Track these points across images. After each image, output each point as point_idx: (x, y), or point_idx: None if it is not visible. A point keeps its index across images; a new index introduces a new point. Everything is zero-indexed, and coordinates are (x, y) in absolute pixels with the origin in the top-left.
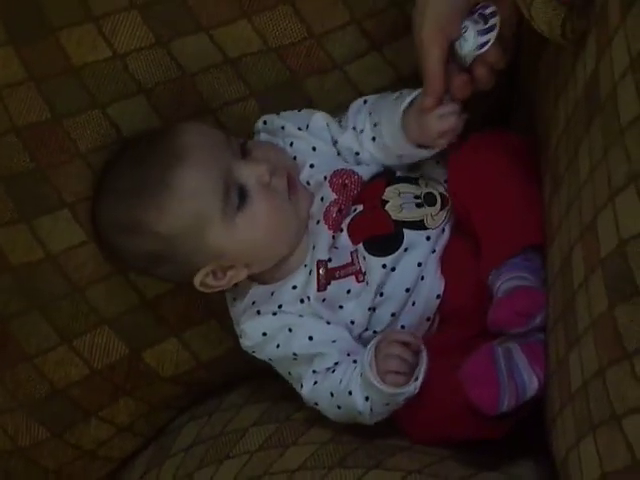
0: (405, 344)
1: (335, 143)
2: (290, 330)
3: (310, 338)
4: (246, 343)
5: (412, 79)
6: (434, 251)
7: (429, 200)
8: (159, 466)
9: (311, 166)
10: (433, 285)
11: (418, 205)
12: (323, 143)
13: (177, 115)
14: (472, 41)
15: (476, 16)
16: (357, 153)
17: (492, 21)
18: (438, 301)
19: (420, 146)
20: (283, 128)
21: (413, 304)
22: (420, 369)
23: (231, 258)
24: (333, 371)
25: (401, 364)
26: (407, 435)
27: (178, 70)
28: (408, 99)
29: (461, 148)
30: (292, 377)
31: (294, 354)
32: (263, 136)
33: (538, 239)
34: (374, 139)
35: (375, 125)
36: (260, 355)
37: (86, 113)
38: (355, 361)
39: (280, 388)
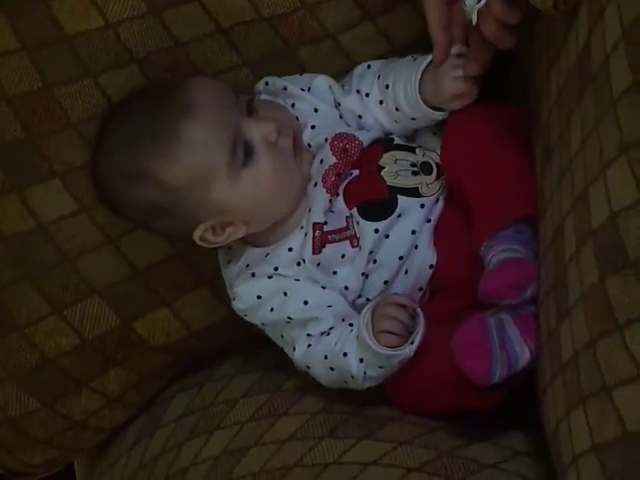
0: (402, 306)
1: (338, 105)
2: (285, 294)
3: (305, 302)
4: (239, 306)
5: (404, 49)
6: (429, 220)
7: (425, 169)
8: (149, 436)
9: (312, 127)
10: (426, 255)
11: (414, 173)
12: (325, 105)
13: None
14: None
15: None
16: (360, 116)
17: None
18: (431, 271)
19: (435, 108)
20: (285, 89)
21: (406, 272)
22: (417, 333)
23: (233, 214)
24: (328, 334)
25: (396, 325)
26: (397, 405)
27: (170, 39)
28: (426, 60)
29: (455, 119)
30: (284, 341)
31: (289, 318)
32: (264, 97)
33: (530, 211)
34: (381, 102)
35: (387, 87)
36: (252, 319)
37: (78, 83)
38: (351, 324)
39: (272, 357)
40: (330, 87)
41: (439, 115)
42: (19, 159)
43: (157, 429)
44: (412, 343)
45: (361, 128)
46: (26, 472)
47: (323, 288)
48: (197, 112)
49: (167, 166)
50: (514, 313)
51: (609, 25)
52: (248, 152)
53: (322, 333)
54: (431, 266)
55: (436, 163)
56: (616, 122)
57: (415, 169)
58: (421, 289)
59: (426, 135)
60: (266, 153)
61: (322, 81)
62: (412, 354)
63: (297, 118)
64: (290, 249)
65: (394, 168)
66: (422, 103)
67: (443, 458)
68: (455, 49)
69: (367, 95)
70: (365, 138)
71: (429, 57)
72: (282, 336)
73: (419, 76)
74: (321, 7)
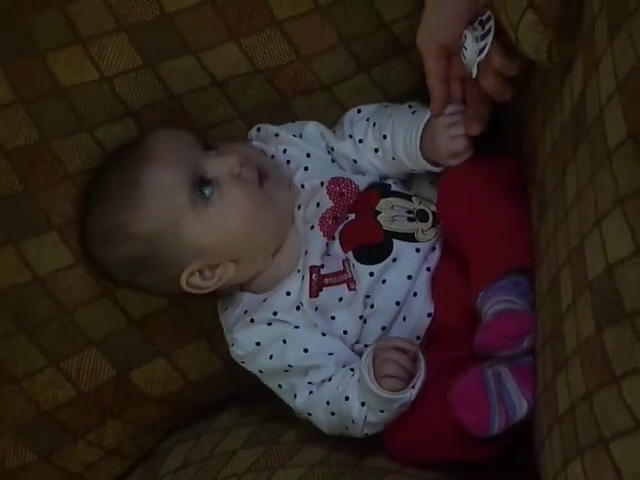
0: (403, 351)
1: (331, 150)
2: (284, 341)
3: (305, 350)
4: (237, 352)
5: (399, 99)
6: (429, 269)
7: (421, 216)
8: None
9: (305, 169)
10: (425, 303)
11: (410, 219)
12: (317, 150)
13: None
14: (471, 49)
15: (475, 24)
16: (355, 161)
17: (488, 25)
18: (429, 320)
19: (433, 162)
20: (277, 135)
21: (404, 319)
22: (418, 377)
23: (214, 254)
24: (329, 380)
25: (398, 369)
26: (393, 455)
27: (165, 92)
28: (426, 116)
29: (451, 170)
30: (283, 389)
31: (288, 365)
32: (255, 144)
33: (526, 261)
34: (376, 150)
35: (384, 137)
36: (250, 366)
37: (74, 135)
38: (352, 369)
39: (269, 409)
40: (321, 133)
41: (437, 169)
42: (16, 212)
43: None
44: (413, 387)
45: (356, 171)
46: None
47: (323, 335)
48: (155, 157)
49: (134, 216)
50: (511, 365)
51: (604, 77)
52: (211, 187)
53: (323, 380)
54: (429, 314)
55: (432, 211)
56: (611, 174)
57: (411, 215)
58: (419, 338)
59: (423, 185)
60: (230, 185)
61: (313, 127)
62: (413, 398)
63: (289, 161)
64: (288, 293)
65: (390, 214)
66: (422, 159)
67: None
68: (451, 108)
69: (360, 141)
70: (361, 182)
71: (428, 112)
72: (280, 385)
73: (420, 133)
74: (316, 59)
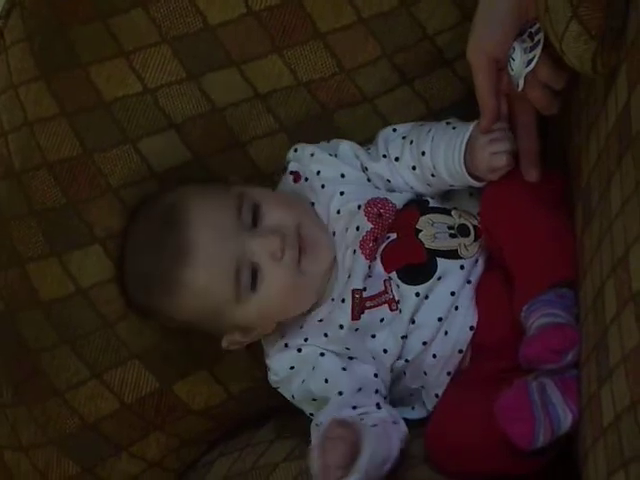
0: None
1: (365, 170)
2: (313, 368)
3: (326, 381)
4: (273, 378)
5: (442, 112)
6: (470, 282)
7: (462, 231)
8: None
9: (341, 194)
10: (467, 316)
11: (452, 235)
12: (352, 169)
13: (207, 150)
14: (519, 60)
15: (524, 35)
16: (388, 180)
17: (537, 37)
18: (471, 333)
19: (474, 177)
20: (312, 155)
21: (446, 334)
22: (359, 461)
23: (253, 325)
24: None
25: (338, 458)
26: (436, 466)
27: (208, 104)
28: (469, 131)
29: (494, 182)
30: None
31: (313, 398)
32: (293, 165)
33: (570, 274)
34: (414, 168)
35: (423, 154)
36: (285, 392)
37: (117, 148)
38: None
39: (309, 422)
40: (355, 153)
41: (479, 184)
42: (59, 224)
43: None
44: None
45: (391, 190)
46: None
47: (343, 369)
48: (195, 256)
49: (176, 309)
50: (556, 377)
51: None
52: (254, 275)
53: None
54: (471, 327)
55: (473, 225)
56: None
57: (453, 232)
58: (461, 351)
59: (462, 197)
60: (272, 272)
61: (347, 147)
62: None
63: (324, 186)
64: (320, 320)
65: (431, 231)
66: (467, 174)
67: None
68: (497, 125)
69: (397, 159)
70: (398, 201)
71: (470, 126)
72: (311, 414)
73: (464, 147)
74: (359, 71)
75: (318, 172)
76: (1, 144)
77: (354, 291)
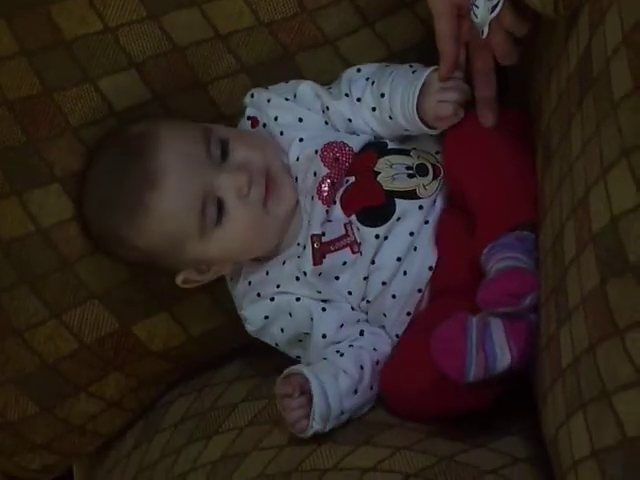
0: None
1: (326, 109)
2: (290, 315)
3: (312, 319)
4: (250, 328)
5: (403, 54)
6: (427, 222)
7: (421, 171)
8: (148, 441)
9: (300, 140)
10: (426, 256)
11: (410, 176)
12: (310, 112)
13: (168, 89)
14: (483, 7)
15: None
16: (350, 120)
17: None
18: (430, 273)
19: (426, 124)
20: (269, 101)
21: (405, 274)
22: (313, 407)
23: (211, 262)
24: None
25: (292, 413)
26: (393, 411)
27: (169, 44)
28: (425, 75)
29: (457, 123)
30: (303, 360)
31: (304, 334)
32: (250, 110)
33: (531, 216)
34: (374, 109)
35: (382, 96)
36: (266, 339)
37: (77, 87)
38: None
39: (271, 363)
40: (316, 93)
41: (432, 132)
42: (19, 163)
43: (156, 434)
44: (313, 418)
45: (350, 132)
46: (25, 477)
47: (323, 310)
48: (164, 181)
49: (140, 235)
50: (506, 318)
51: (610, 29)
52: (219, 209)
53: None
54: (430, 268)
55: (432, 164)
56: (617, 126)
57: (411, 172)
58: (420, 290)
59: (422, 136)
60: (237, 208)
61: (307, 87)
62: (322, 422)
63: (282, 132)
64: (284, 262)
65: (390, 173)
66: (419, 120)
67: (442, 464)
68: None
69: (358, 100)
70: (355, 144)
71: (428, 71)
72: (299, 356)
73: (417, 92)
74: (320, 13)
75: (276, 118)
76: None
77: (313, 236)
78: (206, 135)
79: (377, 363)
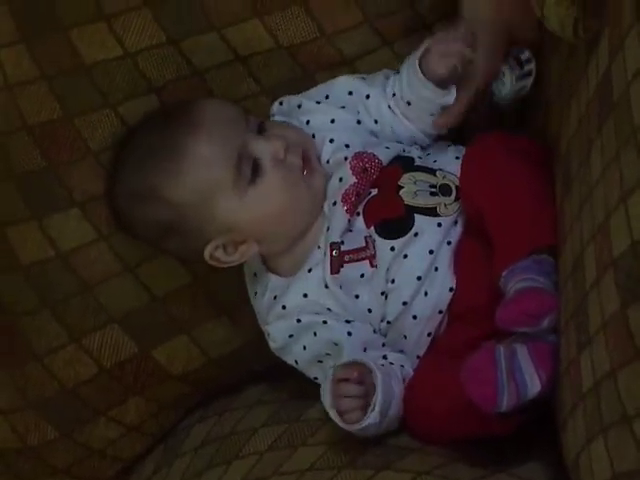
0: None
1: (365, 99)
2: (315, 334)
3: (335, 344)
4: (272, 344)
5: None
6: (449, 243)
7: (444, 190)
8: (168, 466)
9: (331, 141)
10: (446, 277)
11: (432, 194)
12: (343, 111)
13: None
14: (509, 85)
15: (512, 61)
16: (375, 121)
17: (528, 67)
18: (451, 294)
19: (437, 85)
20: (299, 106)
21: (426, 294)
22: (375, 397)
23: (242, 232)
24: None
25: (351, 402)
26: (414, 434)
27: (189, 68)
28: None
29: (475, 146)
30: (320, 381)
31: (319, 360)
32: (278, 118)
33: (550, 240)
34: (394, 95)
35: (397, 73)
36: (286, 358)
37: (97, 112)
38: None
39: (291, 387)
40: (350, 89)
41: (446, 96)
42: (39, 188)
43: (176, 458)
44: (373, 409)
45: (378, 136)
46: None
47: (349, 334)
48: (202, 129)
49: (172, 183)
50: (530, 343)
51: (630, 54)
52: (255, 169)
53: None
54: (451, 289)
55: (456, 186)
56: (637, 150)
57: (434, 190)
58: (441, 312)
59: (448, 159)
60: (274, 171)
61: (342, 82)
62: (378, 419)
63: (314, 135)
64: (309, 270)
65: (413, 188)
66: (425, 79)
67: None
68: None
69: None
70: (385, 157)
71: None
72: (316, 378)
73: (419, 54)
74: (340, 36)
75: (307, 122)
76: None
77: (332, 244)
78: (244, 112)
79: (403, 381)
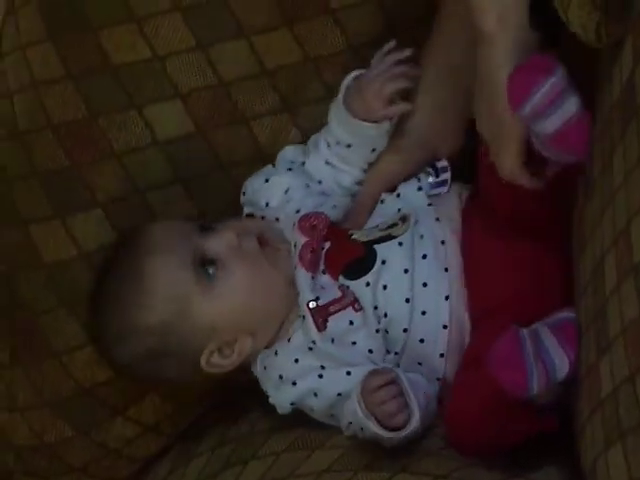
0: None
1: (303, 164)
2: (315, 395)
3: (339, 394)
4: (281, 412)
5: None
6: (425, 257)
7: (392, 225)
8: (184, 466)
9: (297, 212)
10: (438, 288)
11: (381, 229)
12: (291, 174)
13: (210, 123)
14: (424, 191)
15: (429, 168)
16: (319, 182)
17: (444, 176)
18: (447, 303)
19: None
20: (256, 190)
21: (423, 313)
22: (411, 400)
23: (228, 330)
24: None
25: (392, 404)
26: (455, 443)
27: (215, 77)
28: (343, 87)
29: None
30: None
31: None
32: (246, 209)
33: None
34: (329, 146)
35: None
36: (304, 409)
37: (122, 113)
38: None
39: None
40: (292, 158)
41: (372, 131)
42: (62, 187)
43: (192, 459)
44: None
45: (326, 193)
46: None
47: (348, 374)
48: (152, 248)
49: (143, 311)
50: (551, 323)
51: None
52: (214, 266)
53: None
54: (447, 297)
55: (400, 217)
56: None
57: (382, 227)
58: (445, 327)
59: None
60: (232, 260)
61: (285, 151)
62: (419, 423)
63: (277, 219)
64: (289, 340)
65: (363, 232)
66: (353, 119)
67: None
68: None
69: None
70: (332, 213)
71: (347, 81)
72: (332, 415)
73: (341, 95)
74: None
75: (267, 204)
76: (7, 104)
77: (308, 303)
78: (190, 222)
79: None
